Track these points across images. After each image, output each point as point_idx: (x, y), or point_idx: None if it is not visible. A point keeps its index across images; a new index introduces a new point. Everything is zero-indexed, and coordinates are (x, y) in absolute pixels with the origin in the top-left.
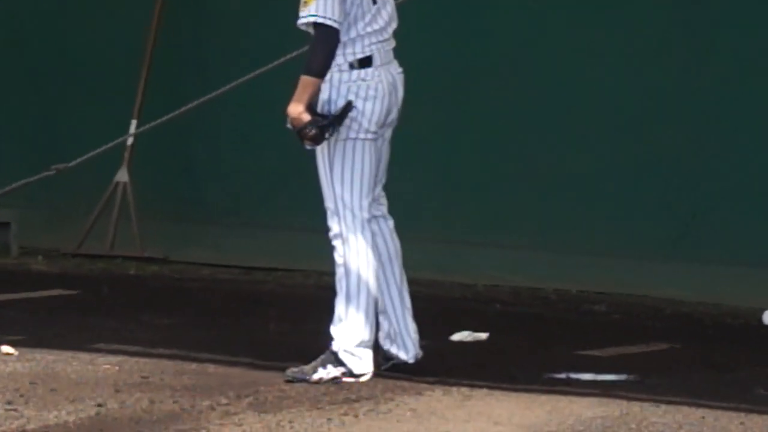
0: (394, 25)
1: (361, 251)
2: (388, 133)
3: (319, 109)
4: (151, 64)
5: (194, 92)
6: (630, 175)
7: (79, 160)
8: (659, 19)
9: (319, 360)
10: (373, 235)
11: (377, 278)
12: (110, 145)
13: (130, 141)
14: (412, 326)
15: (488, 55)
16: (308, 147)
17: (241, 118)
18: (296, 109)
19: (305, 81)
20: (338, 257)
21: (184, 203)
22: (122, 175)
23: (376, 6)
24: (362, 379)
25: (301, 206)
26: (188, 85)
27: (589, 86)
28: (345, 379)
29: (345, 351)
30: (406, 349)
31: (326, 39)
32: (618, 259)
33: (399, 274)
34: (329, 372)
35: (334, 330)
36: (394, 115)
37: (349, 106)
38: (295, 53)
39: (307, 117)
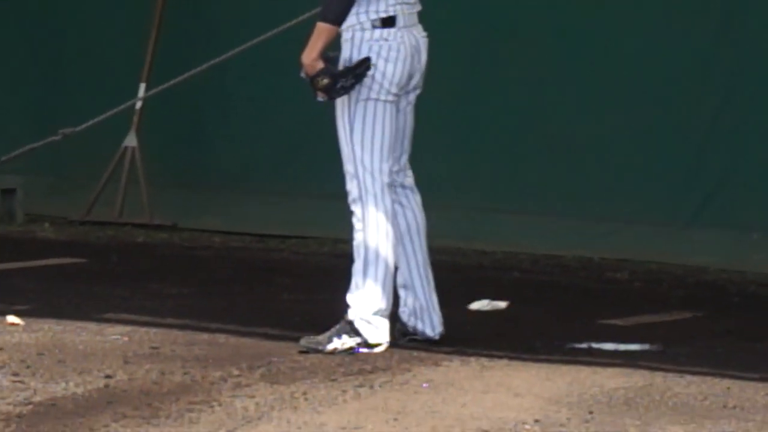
0: None
1: (380, 216)
2: (411, 98)
3: (340, 68)
4: (160, 26)
5: (204, 55)
6: (653, 141)
7: (86, 124)
8: None
9: (333, 329)
10: (402, 207)
11: (404, 252)
12: (118, 109)
13: (138, 105)
14: (436, 301)
15: (509, 22)
16: (320, 99)
17: (252, 82)
18: (310, 56)
19: (320, 28)
20: (356, 222)
21: (194, 169)
22: (131, 140)
23: None
24: (377, 350)
25: (315, 172)
26: (198, 48)
27: (612, 53)
28: (360, 350)
29: (361, 319)
30: (432, 325)
31: None
32: (640, 226)
33: (425, 249)
34: (344, 342)
35: (350, 298)
36: (416, 79)
37: (366, 62)
38: (305, 15)
39: (320, 65)
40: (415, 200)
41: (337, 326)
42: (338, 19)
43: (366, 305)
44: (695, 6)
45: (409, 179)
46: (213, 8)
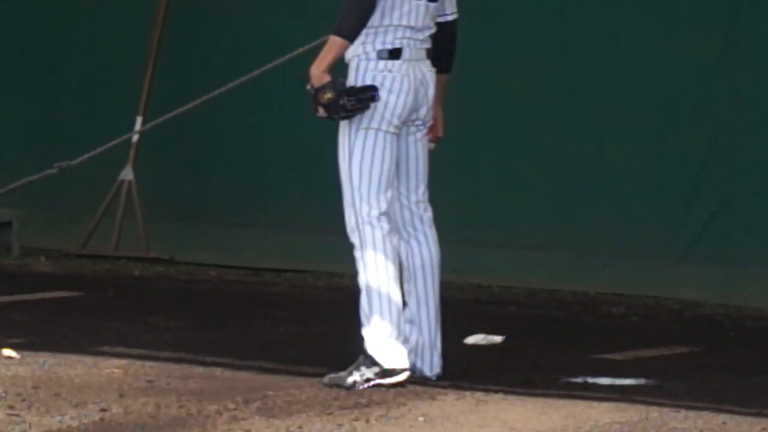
0: (433, 27)
1: (377, 244)
2: (420, 133)
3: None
4: (156, 60)
5: (200, 89)
6: (649, 175)
7: (82, 157)
8: (686, 13)
9: (354, 364)
10: (419, 244)
11: (415, 288)
12: (115, 142)
13: (135, 138)
14: (440, 342)
15: (505, 53)
16: (320, 115)
17: (249, 115)
18: (319, 67)
19: (333, 41)
20: (356, 252)
21: (190, 202)
22: (127, 174)
23: (418, 3)
24: (398, 377)
25: (311, 206)
26: (194, 82)
27: (609, 86)
28: (379, 381)
29: (374, 346)
30: (432, 365)
31: (361, 1)
32: (636, 261)
33: (437, 287)
34: (363, 374)
35: (363, 330)
36: (423, 113)
37: (372, 90)
38: (302, 49)
39: (327, 78)
40: (432, 237)
41: (358, 360)
42: (351, 34)
43: (377, 333)
44: (694, 39)
45: (429, 213)
46: (210, 42)
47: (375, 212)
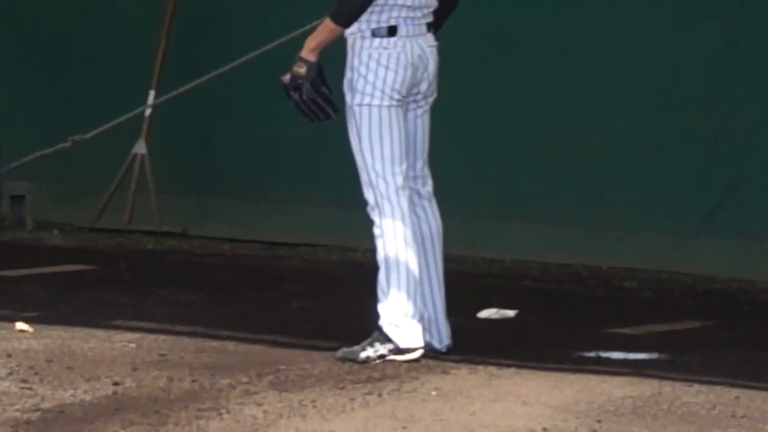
0: (434, 4)
1: (397, 221)
2: (423, 105)
3: (345, 75)
4: (169, 34)
5: (213, 63)
6: (662, 150)
7: (95, 131)
8: None
9: (368, 339)
10: (418, 218)
11: (418, 261)
12: (128, 116)
13: (148, 112)
14: (445, 314)
15: (517, 31)
16: (282, 80)
17: (261, 89)
18: (310, 44)
19: (326, 24)
20: (376, 229)
21: (203, 177)
22: (140, 147)
23: None
24: (411, 355)
25: (324, 180)
26: (207, 55)
27: (623, 59)
28: (393, 357)
29: (390, 324)
30: (440, 337)
31: None
32: (649, 235)
33: (440, 260)
34: (377, 350)
35: (379, 307)
36: (425, 87)
37: (330, 113)
38: (315, 23)
39: (313, 58)
40: (432, 210)
41: (372, 335)
42: (346, 23)
43: (393, 311)
44: (708, 13)
45: (428, 188)
46: (222, 16)
47: (392, 187)
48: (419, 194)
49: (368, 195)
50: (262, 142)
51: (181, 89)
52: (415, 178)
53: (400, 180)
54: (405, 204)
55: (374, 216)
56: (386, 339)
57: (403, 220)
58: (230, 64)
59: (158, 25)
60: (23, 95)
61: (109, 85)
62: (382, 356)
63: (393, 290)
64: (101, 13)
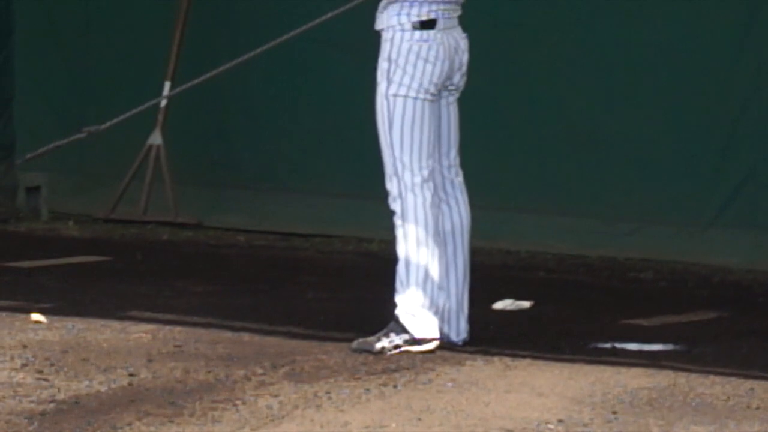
0: None
1: (419, 212)
2: (452, 97)
3: (379, 66)
4: (185, 24)
5: (228, 54)
6: (677, 141)
7: (111, 122)
8: None
9: (383, 330)
10: (450, 209)
11: (444, 253)
12: (143, 107)
13: (163, 103)
14: (467, 307)
15: (532, 19)
16: None
17: (277, 80)
18: None
19: None
20: (397, 220)
21: (218, 167)
22: (155, 138)
23: None
24: (427, 346)
25: (340, 171)
26: (222, 46)
27: (639, 50)
28: (408, 348)
29: (406, 314)
30: (458, 330)
31: None
32: (664, 226)
33: (467, 252)
34: (392, 340)
35: (396, 297)
36: (457, 79)
37: None
38: (330, 14)
39: None
40: (463, 201)
41: (388, 326)
42: None
43: (410, 301)
44: (719, 5)
45: (459, 178)
46: (238, 7)
47: (418, 179)
48: (452, 184)
49: (391, 186)
50: (277, 132)
51: (197, 80)
52: (449, 167)
53: (426, 173)
54: (429, 197)
55: (396, 207)
56: (402, 329)
57: (425, 212)
58: (246, 55)
59: (174, 16)
60: (39, 87)
61: (125, 76)
62: (397, 347)
63: (412, 282)
64: (117, 4)
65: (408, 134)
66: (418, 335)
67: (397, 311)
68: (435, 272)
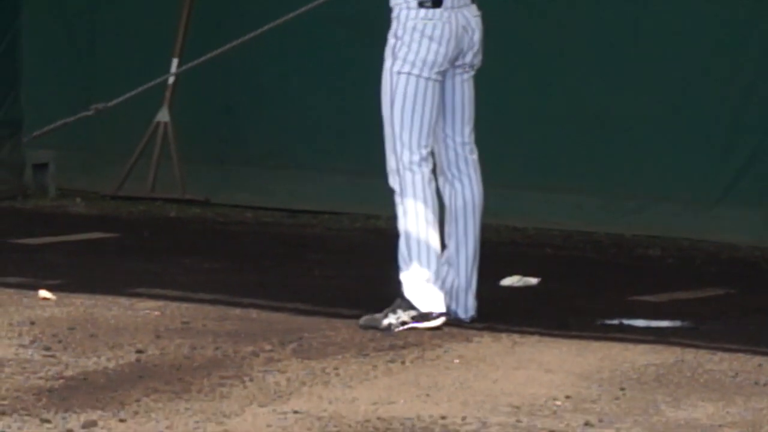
0: None
1: (418, 189)
2: (467, 75)
3: (387, 42)
4: (192, 1)
5: (236, 31)
6: (685, 118)
7: (118, 99)
8: None
9: (390, 306)
10: (462, 186)
11: (455, 230)
12: (151, 84)
13: (171, 80)
14: (475, 285)
15: None
16: None
17: (285, 57)
18: None
19: None
20: (397, 197)
21: (226, 144)
22: (163, 115)
23: None
24: (434, 322)
25: (348, 148)
26: (230, 23)
27: (646, 27)
28: (415, 324)
29: (411, 290)
30: (466, 307)
31: None
32: (672, 203)
33: (478, 230)
34: (399, 317)
35: (401, 275)
36: (469, 58)
37: None
38: None
39: None
40: (476, 179)
41: (395, 303)
42: None
43: (414, 277)
44: None
45: (474, 156)
46: None
47: (416, 158)
48: (466, 162)
49: (391, 163)
50: (285, 109)
51: (205, 57)
52: (463, 144)
53: (424, 152)
54: (427, 174)
55: (395, 185)
56: (408, 306)
57: (424, 189)
58: (254, 32)
59: None
60: (47, 64)
61: (132, 52)
62: (404, 323)
63: (414, 257)
64: None
65: (409, 112)
66: (424, 309)
67: (403, 288)
68: (437, 246)
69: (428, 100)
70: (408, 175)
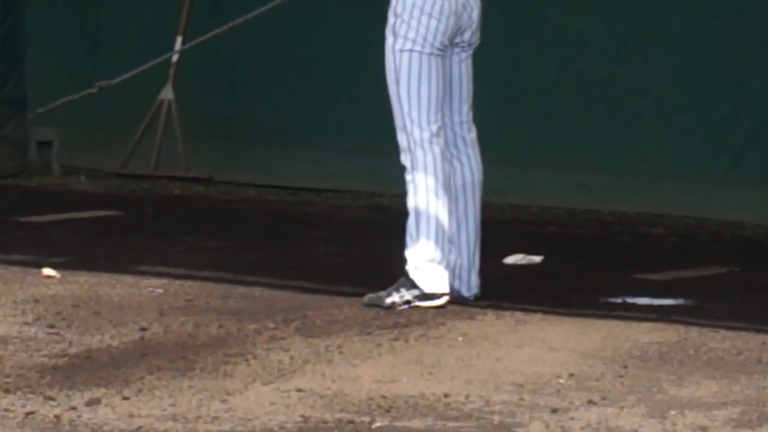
0: None
1: (429, 167)
2: (465, 54)
3: (387, 20)
4: None
5: (240, 8)
6: (690, 94)
7: (122, 77)
8: None
9: (394, 285)
10: (461, 164)
11: (456, 208)
12: (155, 62)
13: (175, 58)
14: (478, 263)
15: None
16: None
17: (289, 35)
18: None
19: None
20: (407, 175)
21: (230, 122)
22: (167, 93)
23: None
24: (437, 301)
25: (351, 126)
26: (234, 1)
27: (651, 3)
28: (418, 304)
29: (416, 269)
30: (469, 285)
31: None
32: (676, 181)
33: (478, 208)
34: (402, 295)
35: (407, 252)
36: (468, 36)
37: None
38: None
39: None
40: (475, 158)
41: (399, 281)
42: None
43: (420, 256)
44: None
45: (473, 134)
46: None
47: (426, 134)
48: (464, 141)
49: (402, 140)
50: (288, 87)
51: (209, 35)
52: (461, 123)
53: (435, 128)
54: (438, 152)
55: (406, 162)
56: (412, 284)
57: (435, 167)
58: (258, 9)
59: None
60: (51, 42)
61: (137, 30)
62: (407, 302)
63: (422, 236)
64: None
65: (415, 89)
66: (428, 289)
67: (407, 266)
68: (445, 225)
69: (433, 75)
70: (419, 153)
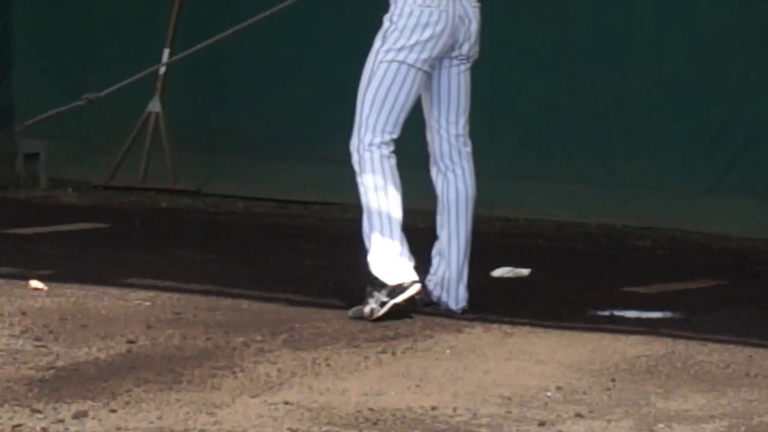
0: None
1: (375, 164)
2: (463, 66)
3: (382, 25)
4: None
5: (228, 20)
6: (678, 106)
7: (110, 89)
8: None
9: (366, 293)
10: (455, 177)
11: (447, 221)
12: (142, 74)
13: (162, 70)
14: (467, 276)
15: None
16: None
17: (276, 47)
18: None
19: None
20: (357, 177)
21: (217, 134)
22: (154, 106)
23: None
24: (409, 292)
25: (339, 138)
26: (222, 13)
27: (640, 15)
28: (394, 300)
29: (377, 266)
30: (457, 299)
31: None
32: (663, 193)
33: (470, 222)
34: (376, 299)
35: (368, 256)
36: (466, 49)
37: None
38: None
39: None
40: (469, 172)
41: (366, 290)
42: None
43: (379, 253)
44: None
45: (468, 148)
46: None
47: (377, 140)
48: (459, 153)
49: (354, 142)
50: (277, 99)
51: (196, 47)
52: (457, 136)
53: (387, 138)
54: (387, 154)
55: (355, 164)
56: (380, 285)
57: (382, 167)
58: (246, 22)
59: None
60: (39, 53)
61: (125, 42)
62: (383, 303)
63: (375, 234)
64: None
65: (381, 98)
66: (393, 282)
67: (370, 267)
68: (398, 218)
69: (405, 87)
70: (366, 155)
